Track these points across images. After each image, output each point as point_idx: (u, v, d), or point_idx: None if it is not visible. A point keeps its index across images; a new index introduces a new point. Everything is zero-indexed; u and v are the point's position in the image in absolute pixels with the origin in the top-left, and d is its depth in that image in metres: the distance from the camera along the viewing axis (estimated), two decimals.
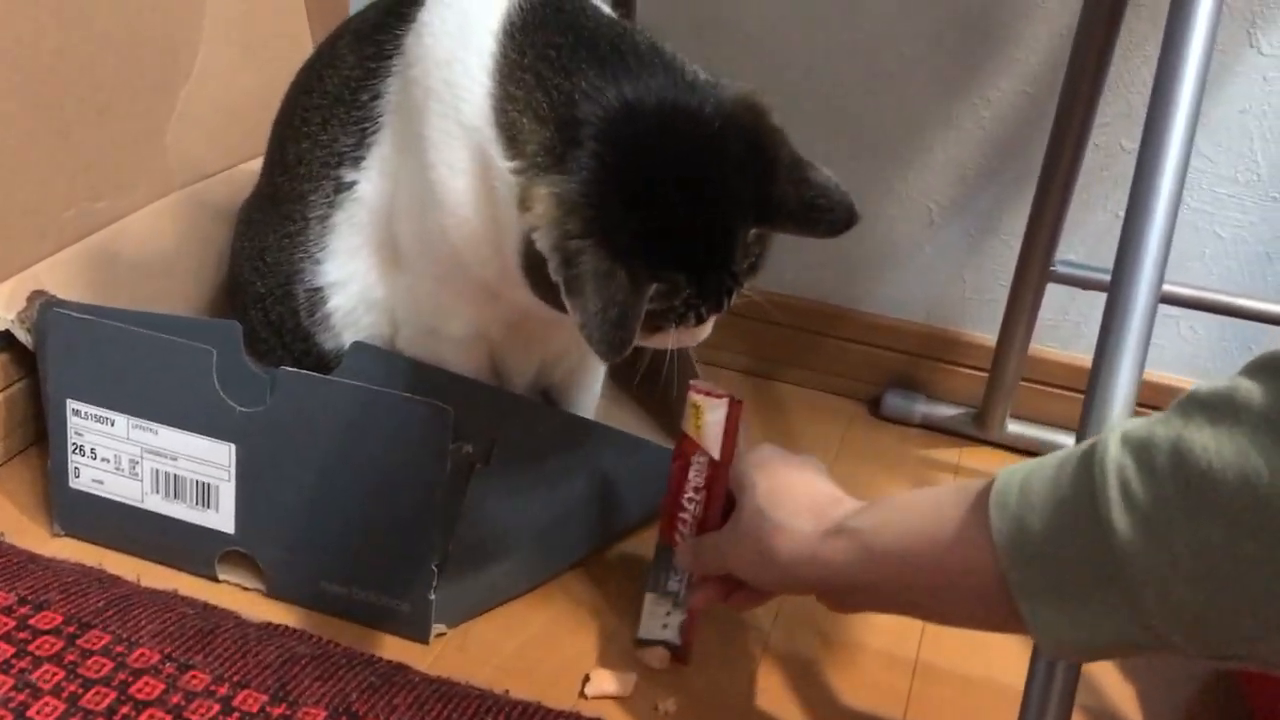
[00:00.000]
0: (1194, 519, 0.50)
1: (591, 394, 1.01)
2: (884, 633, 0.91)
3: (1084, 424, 0.71)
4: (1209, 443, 0.50)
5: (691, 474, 0.81)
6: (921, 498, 0.66)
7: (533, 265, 0.72)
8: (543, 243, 0.69)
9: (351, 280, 0.88)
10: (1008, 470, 0.59)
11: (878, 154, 1.16)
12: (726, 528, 0.77)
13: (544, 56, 0.73)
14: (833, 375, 1.23)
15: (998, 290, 1.13)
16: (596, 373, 1.01)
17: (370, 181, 0.85)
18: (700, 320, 0.73)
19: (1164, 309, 1.10)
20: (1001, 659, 0.85)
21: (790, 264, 1.22)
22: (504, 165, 0.72)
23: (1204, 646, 0.52)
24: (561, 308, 0.69)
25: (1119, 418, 0.70)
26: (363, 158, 0.85)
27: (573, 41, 0.74)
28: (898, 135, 1.15)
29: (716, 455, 0.80)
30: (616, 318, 0.66)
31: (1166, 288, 0.97)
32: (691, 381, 0.82)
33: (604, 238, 0.67)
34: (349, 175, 0.86)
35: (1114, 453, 0.53)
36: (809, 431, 1.17)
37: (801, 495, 0.73)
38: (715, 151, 0.71)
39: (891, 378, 1.22)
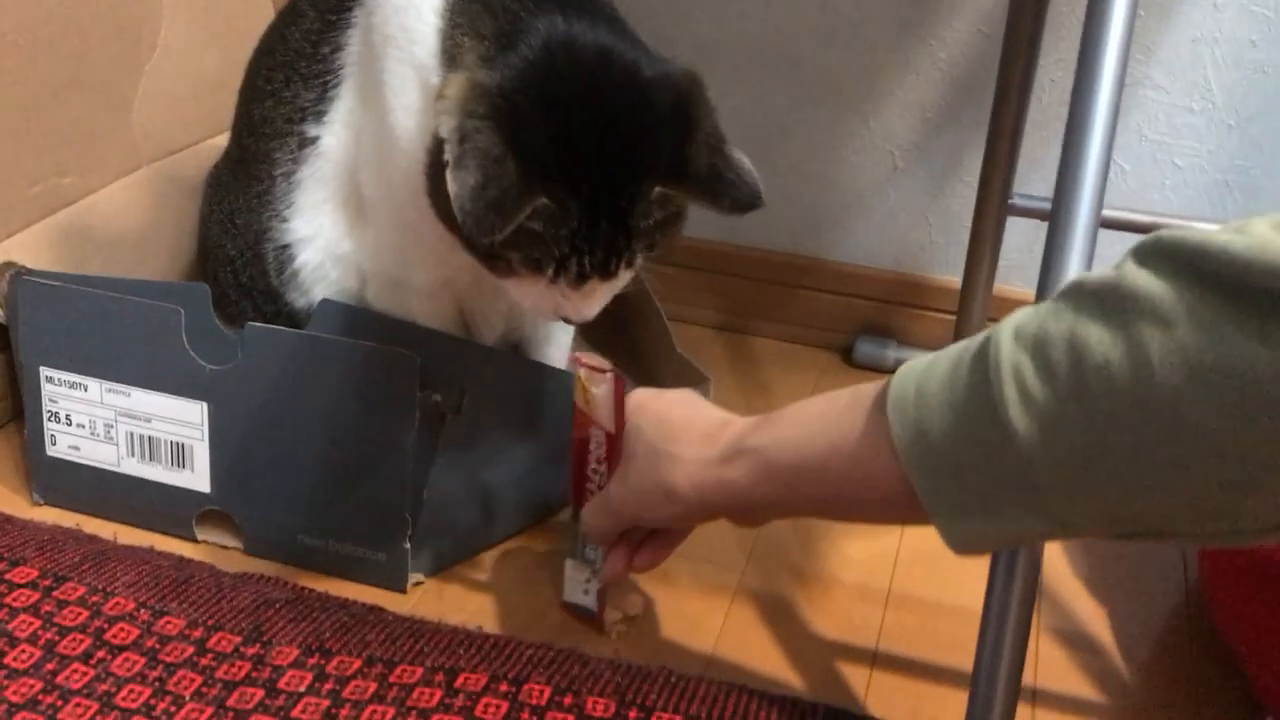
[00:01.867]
0: (1093, 416, 0.50)
1: (561, 347, 1.02)
2: (857, 567, 0.92)
3: None
4: (1103, 335, 0.50)
5: (592, 446, 0.79)
6: (816, 409, 0.65)
7: (434, 163, 0.71)
8: (445, 126, 0.68)
9: (318, 235, 0.89)
10: (901, 372, 0.59)
11: (838, 102, 1.17)
12: (616, 477, 0.75)
13: None
14: (804, 326, 1.24)
15: (962, 233, 1.13)
16: (566, 326, 1.02)
17: (333, 135, 0.87)
18: (582, 275, 0.72)
19: (1127, 240, 1.12)
20: (973, 585, 0.86)
21: (756, 216, 1.22)
22: (439, 80, 0.73)
23: (1111, 532, 0.54)
24: (447, 216, 0.68)
25: None
26: (325, 111, 0.87)
27: None
28: (857, 82, 1.16)
29: (610, 429, 0.77)
30: (494, 198, 0.65)
31: (1121, 214, 0.99)
32: (577, 354, 0.80)
33: (505, 125, 0.67)
34: (312, 130, 0.87)
35: (1008, 351, 0.53)
36: (783, 383, 1.18)
37: (689, 426, 0.72)
38: (641, 98, 0.71)
39: (862, 325, 1.23)
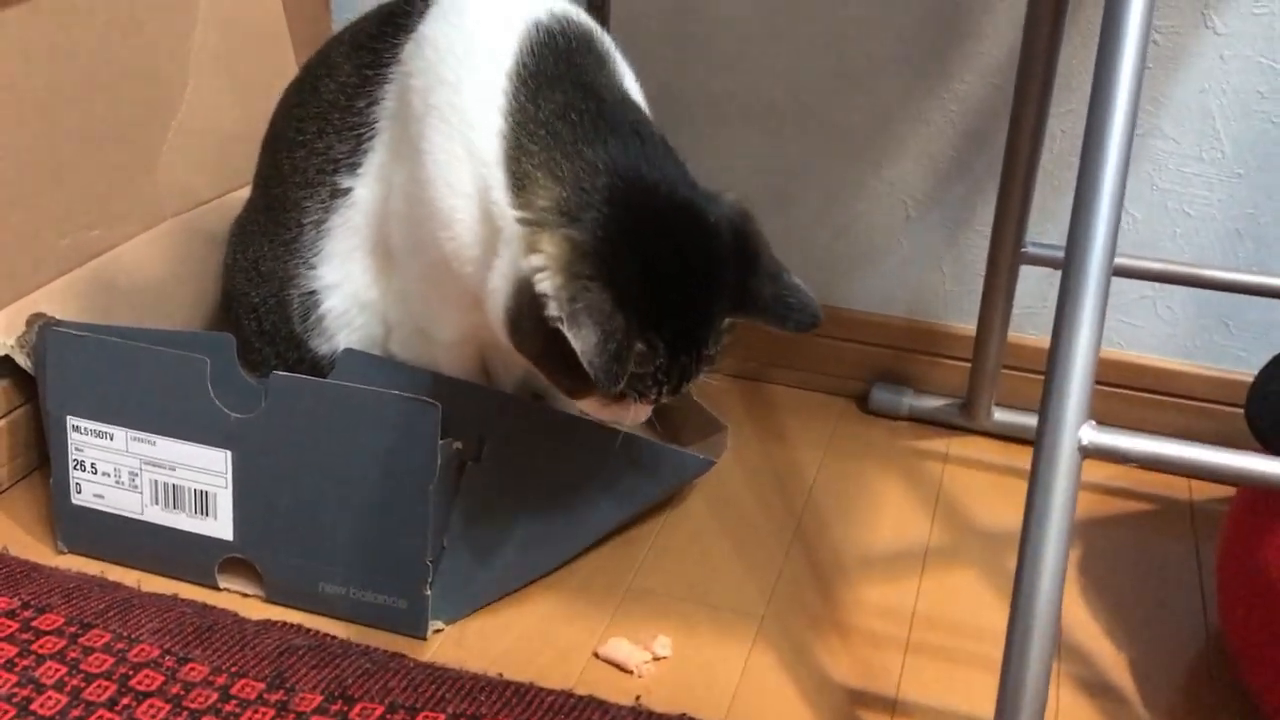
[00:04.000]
0: None
1: None
2: (875, 614, 0.92)
3: (1047, 392, 0.72)
4: None
5: None
6: None
7: (520, 309, 0.76)
8: (548, 283, 0.72)
9: (345, 282, 0.90)
10: None
11: (851, 152, 1.19)
12: None
13: (564, 117, 0.78)
14: (820, 374, 1.25)
15: (976, 280, 1.15)
16: None
17: (366, 187, 0.88)
18: (657, 399, 0.79)
19: (1139, 289, 1.14)
20: (993, 632, 0.86)
21: None
22: (508, 209, 0.77)
23: None
24: (531, 354, 0.76)
25: (1080, 382, 0.71)
26: (359, 164, 0.88)
27: (595, 111, 0.78)
28: (870, 133, 1.17)
29: None
30: (615, 351, 0.71)
31: (1133, 262, 1.01)
32: None
33: (608, 281, 0.72)
34: (345, 181, 0.89)
35: None
36: (800, 430, 1.19)
37: None
38: (709, 241, 0.77)
39: (877, 373, 1.23)
